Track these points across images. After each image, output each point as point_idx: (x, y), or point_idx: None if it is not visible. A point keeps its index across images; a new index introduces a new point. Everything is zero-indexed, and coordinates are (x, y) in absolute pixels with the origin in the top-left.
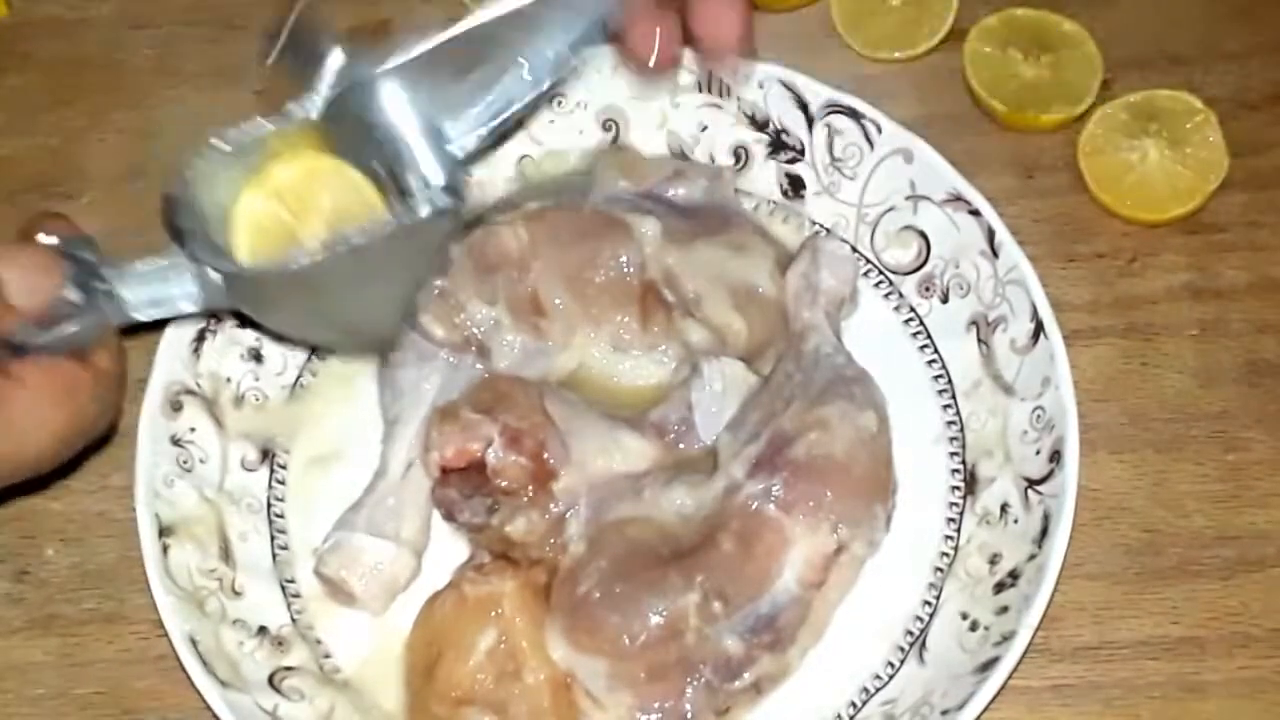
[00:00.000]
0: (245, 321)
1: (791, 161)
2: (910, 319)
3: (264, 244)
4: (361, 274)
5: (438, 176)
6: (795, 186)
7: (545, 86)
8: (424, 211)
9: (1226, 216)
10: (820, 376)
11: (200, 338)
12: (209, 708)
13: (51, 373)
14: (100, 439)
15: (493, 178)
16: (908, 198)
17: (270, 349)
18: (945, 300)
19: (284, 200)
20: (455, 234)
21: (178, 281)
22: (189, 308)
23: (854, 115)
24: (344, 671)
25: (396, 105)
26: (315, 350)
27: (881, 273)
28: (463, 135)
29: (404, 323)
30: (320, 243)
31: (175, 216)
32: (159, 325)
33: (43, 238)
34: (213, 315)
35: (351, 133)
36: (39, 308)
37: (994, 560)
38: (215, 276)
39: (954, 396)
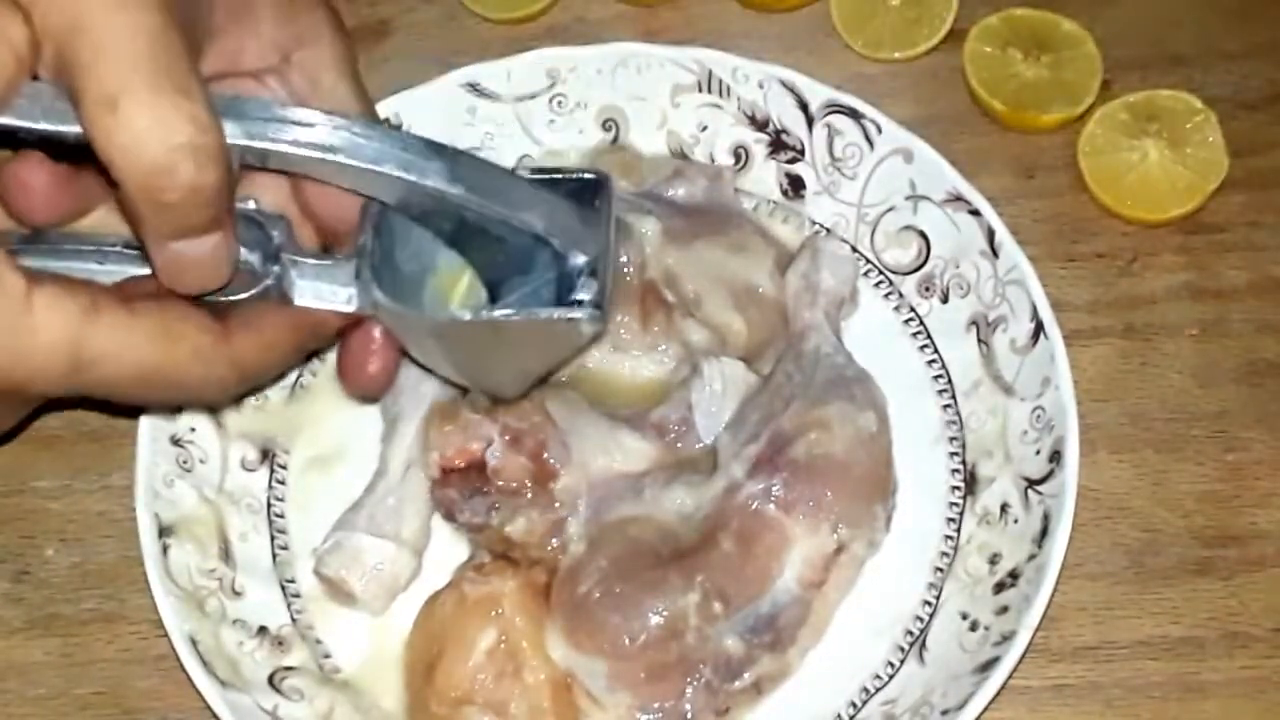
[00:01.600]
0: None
1: (791, 161)
2: (910, 319)
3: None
4: (495, 345)
5: (585, 289)
6: (795, 186)
7: None
8: (575, 316)
9: (1227, 216)
10: (820, 376)
11: None
12: (209, 708)
13: (161, 312)
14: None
15: None
16: (908, 198)
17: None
18: (945, 300)
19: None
20: (586, 347)
21: (344, 282)
22: (345, 309)
23: (854, 115)
24: (344, 671)
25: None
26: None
27: (881, 273)
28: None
29: (523, 394)
30: (471, 307)
31: (362, 231)
32: None
33: (250, 203)
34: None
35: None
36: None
37: (994, 560)
38: (374, 296)
39: (954, 396)
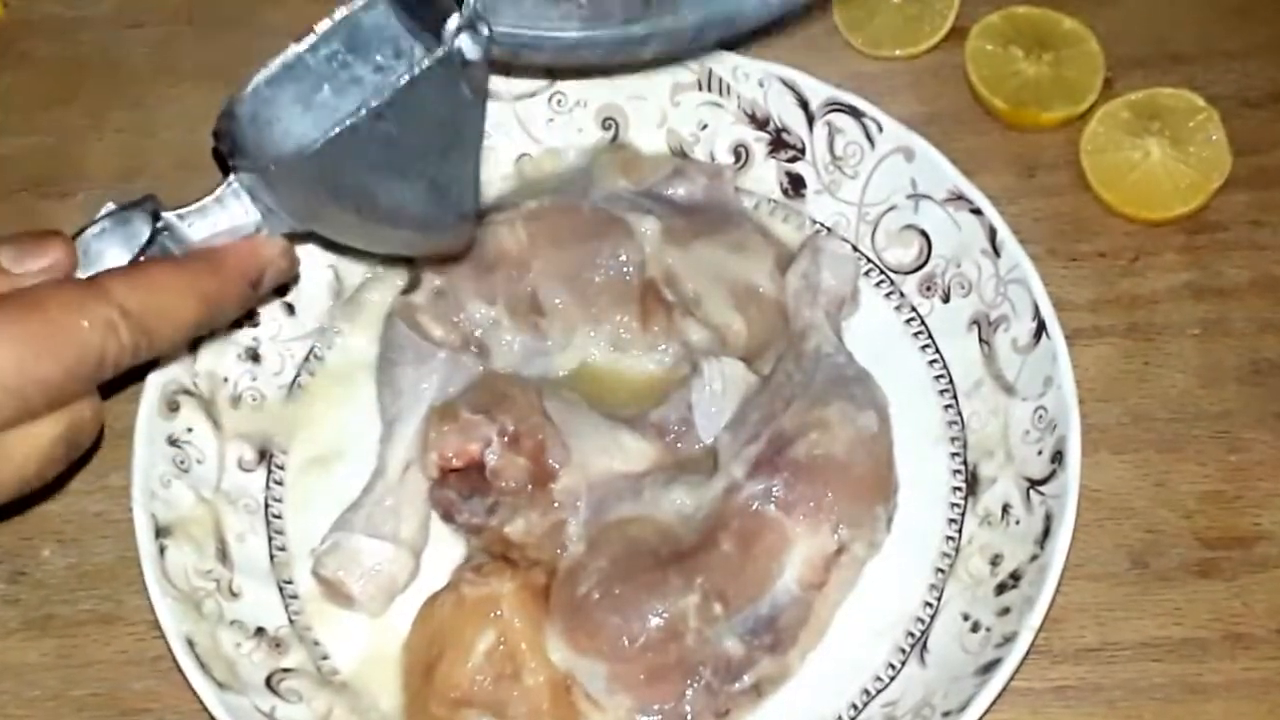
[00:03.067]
0: (320, 242)
1: (792, 160)
2: (911, 318)
3: None
4: (400, 141)
5: (451, 19)
6: (796, 185)
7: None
8: (439, 53)
9: (1229, 215)
10: (821, 376)
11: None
12: (206, 709)
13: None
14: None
15: (491, 177)
16: (909, 196)
17: (268, 349)
18: (946, 299)
19: None
20: (484, 84)
21: (237, 211)
22: (251, 229)
23: (855, 113)
24: (342, 673)
25: None
26: (313, 351)
27: (882, 272)
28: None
29: (474, 206)
30: (346, 113)
31: (220, 144)
32: None
33: (108, 205)
34: (292, 237)
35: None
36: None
37: (995, 561)
38: (260, 185)
39: (955, 396)
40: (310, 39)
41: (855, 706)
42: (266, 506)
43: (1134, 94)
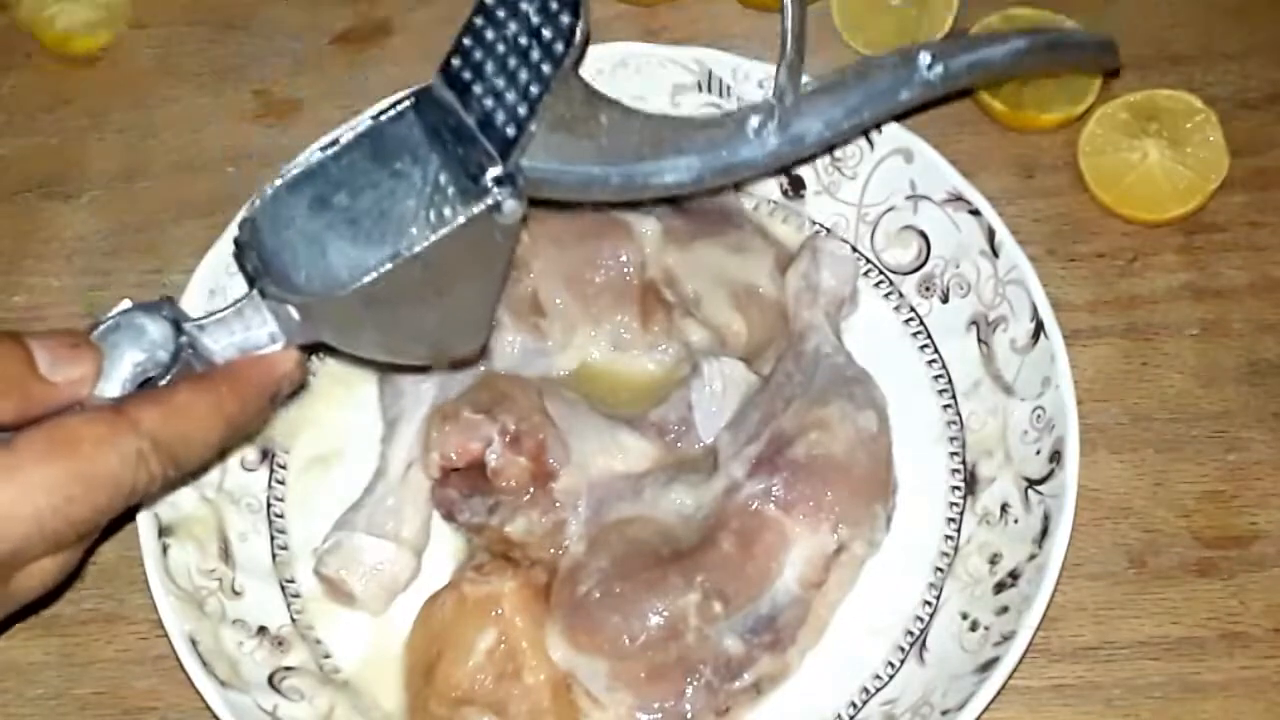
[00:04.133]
0: (334, 352)
1: None
2: (910, 319)
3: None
4: (431, 282)
5: (488, 173)
6: (795, 186)
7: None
8: (480, 207)
9: (1227, 216)
10: (820, 376)
11: None
12: (209, 708)
13: (50, 431)
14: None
15: None
16: (908, 197)
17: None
18: (945, 300)
19: None
20: (520, 229)
21: (256, 322)
22: (273, 346)
23: None
24: (344, 671)
25: (478, 94)
26: (314, 350)
27: (881, 273)
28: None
29: (491, 326)
30: (384, 257)
31: (244, 258)
32: None
33: (124, 303)
34: (308, 350)
35: (421, 138)
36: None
37: (994, 560)
38: (290, 311)
39: (954, 396)
40: (334, 147)
41: (854, 705)
42: (269, 506)
43: (1132, 95)
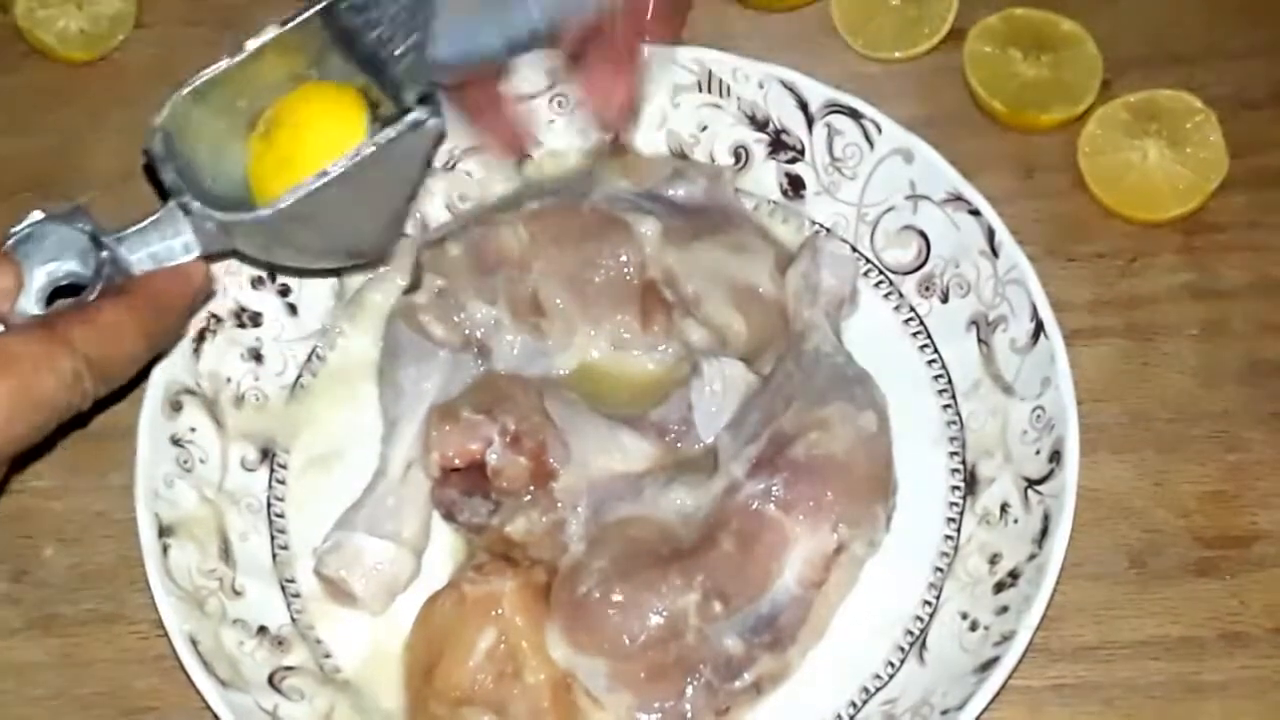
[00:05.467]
0: (245, 259)
1: (791, 161)
2: (910, 319)
3: (266, 176)
4: (352, 198)
5: (414, 89)
6: (795, 186)
7: (540, 30)
8: (401, 127)
9: (1227, 216)
10: (820, 376)
11: (200, 338)
12: (209, 708)
13: None
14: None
15: (492, 177)
16: (908, 197)
17: (270, 349)
18: (945, 300)
19: (276, 130)
20: (437, 144)
21: (174, 232)
22: (189, 257)
23: (854, 115)
24: (344, 671)
25: (376, 19)
26: (315, 352)
27: (881, 273)
28: (445, 51)
29: (398, 232)
30: (307, 179)
31: (161, 169)
32: None
33: (35, 214)
34: (211, 258)
35: (328, 47)
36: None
37: (994, 560)
38: (209, 225)
39: (954, 396)
40: (241, 54)
41: (854, 704)
42: (269, 506)
43: (1132, 95)
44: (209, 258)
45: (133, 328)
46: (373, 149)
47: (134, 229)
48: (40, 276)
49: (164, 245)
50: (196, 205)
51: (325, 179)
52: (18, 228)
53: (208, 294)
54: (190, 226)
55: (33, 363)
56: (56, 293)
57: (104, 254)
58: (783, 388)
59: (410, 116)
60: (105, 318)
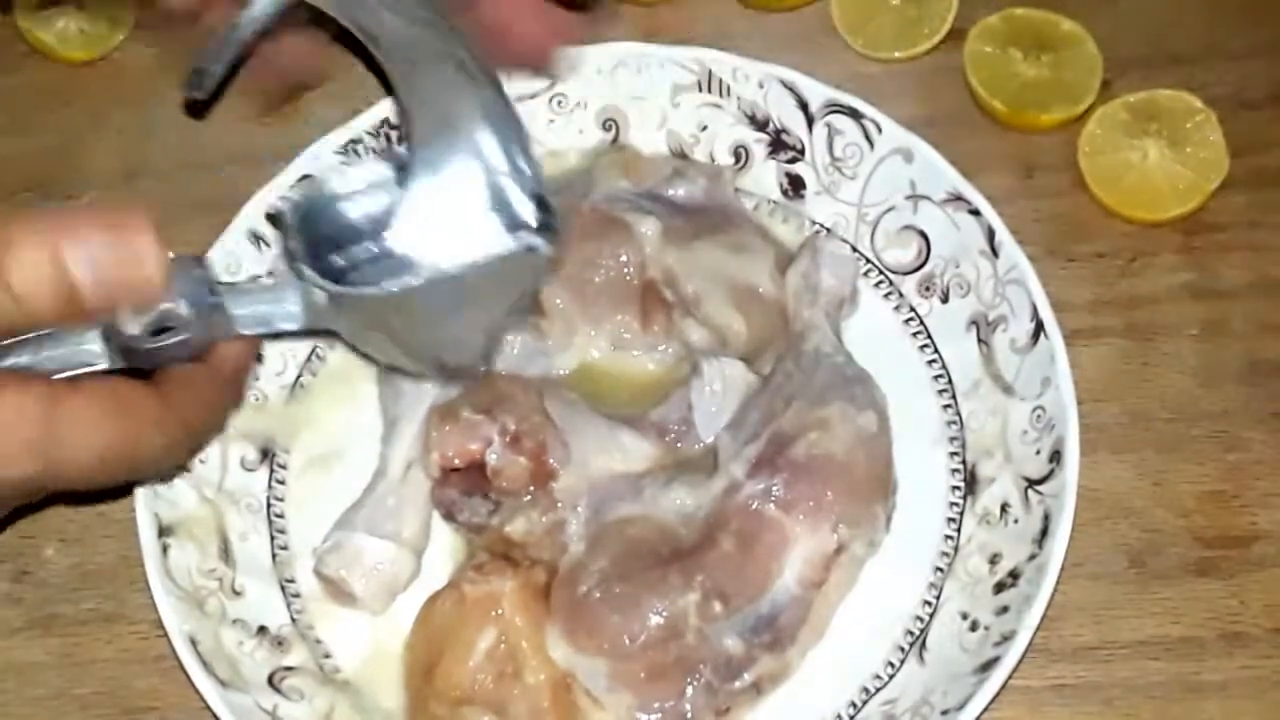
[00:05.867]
0: (340, 341)
1: (791, 161)
2: (910, 319)
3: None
4: (456, 302)
5: (530, 214)
6: (795, 186)
7: None
8: (521, 247)
9: (1227, 216)
10: (820, 376)
11: None
12: (209, 707)
13: (112, 388)
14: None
15: None
16: (908, 197)
17: (269, 349)
18: (945, 300)
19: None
20: (546, 273)
21: (283, 300)
22: (290, 327)
23: (854, 115)
24: (344, 671)
25: (490, 144)
26: (315, 351)
27: (881, 272)
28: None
29: (490, 354)
30: (421, 270)
31: (286, 237)
32: None
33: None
34: (312, 333)
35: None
36: (149, 314)
37: (994, 560)
38: (320, 297)
39: (954, 396)
40: (398, 166)
41: (854, 705)
42: (269, 506)
43: (1132, 95)
44: (309, 333)
45: (221, 403)
46: (493, 260)
47: (246, 288)
48: (153, 311)
49: (270, 310)
50: (310, 273)
51: (440, 272)
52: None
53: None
54: (300, 296)
55: (153, 420)
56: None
57: (214, 300)
58: (783, 388)
59: (526, 240)
60: (205, 394)
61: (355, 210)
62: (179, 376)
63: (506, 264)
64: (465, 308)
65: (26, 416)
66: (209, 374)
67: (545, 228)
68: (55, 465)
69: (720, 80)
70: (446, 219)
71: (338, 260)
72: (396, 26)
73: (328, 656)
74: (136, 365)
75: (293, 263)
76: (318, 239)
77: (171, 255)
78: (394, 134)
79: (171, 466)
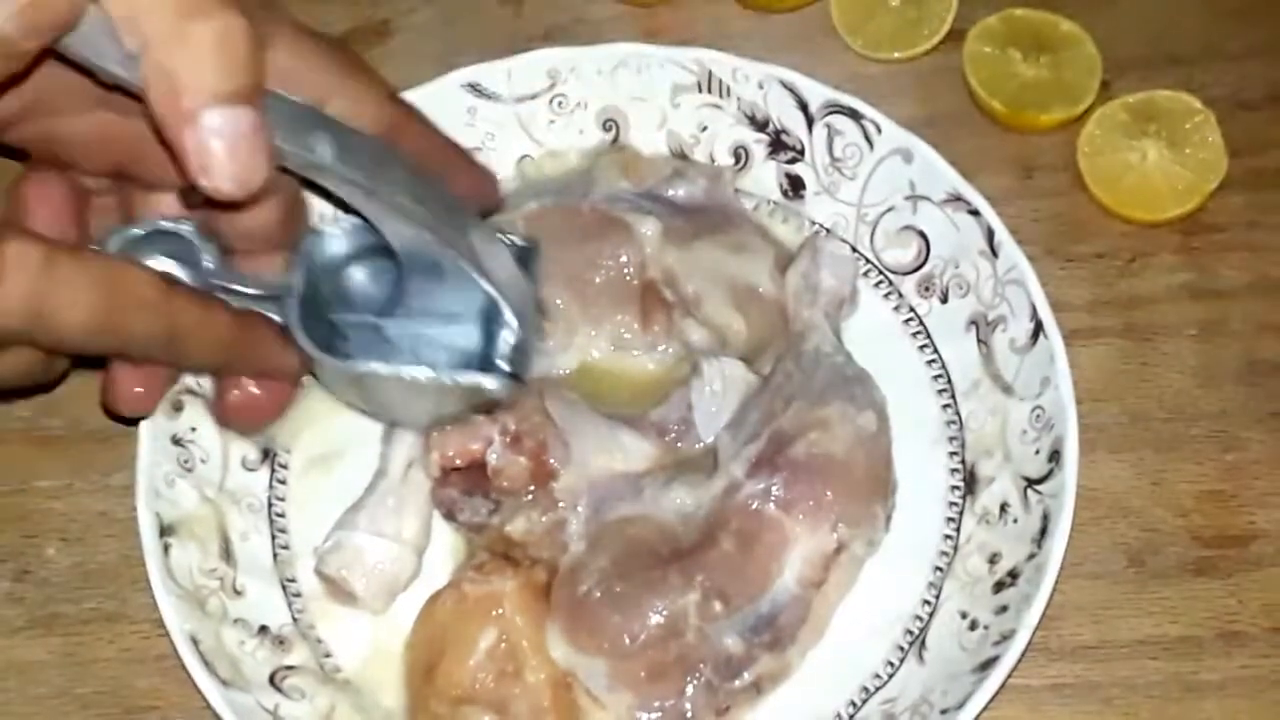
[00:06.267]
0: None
1: (791, 161)
2: (910, 319)
3: None
4: (414, 394)
5: (505, 361)
6: (795, 186)
7: None
8: (491, 387)
9: (1226, 217)
10: (820, 376)
11: None
12: (210, 707)
13: (111, 262)
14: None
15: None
16: (907, 198)
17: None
18: (945, 300)
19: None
20: (493, 406)
21: (272, 311)
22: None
23: (854, 115)
24: (345, 671)
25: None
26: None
27: (881, 273)
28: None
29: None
30: (393, 362)
31: (295, 267)
32: None
33: (162, 221)
34: None
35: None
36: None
37: (993, 560)
38: (303, 338)
39: (954, 396)
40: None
41: (854, 704)
42: (270, 505)
43: (1131, 96)
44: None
45: (221, 350)
46: (447, 378)
47: (239, 286)
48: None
49: (260, 305)
50: (294, 315)
51: (400, 373)
52: (142, 225)
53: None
54: (281, 319)
55: (138, 301)
56: None
57: (212, 279)
58: (783, 388)
59: (490, 380)
60: (214, 324)
61: (357, 281)
62: (195, 291)
63: (468, 389)
64: (419, 399)
65: (23, 268)
66: (225, 306)
67: (513, 376)
68: (40, 320)
69: (720, 81)
70: (434, 326)
71: (329, 314)
72: (410, 234)
73: (329, 656)
74: None
75: (287, 297)
76: (316, 289)
77: (171, 221)
78: None
79: (161, 356)
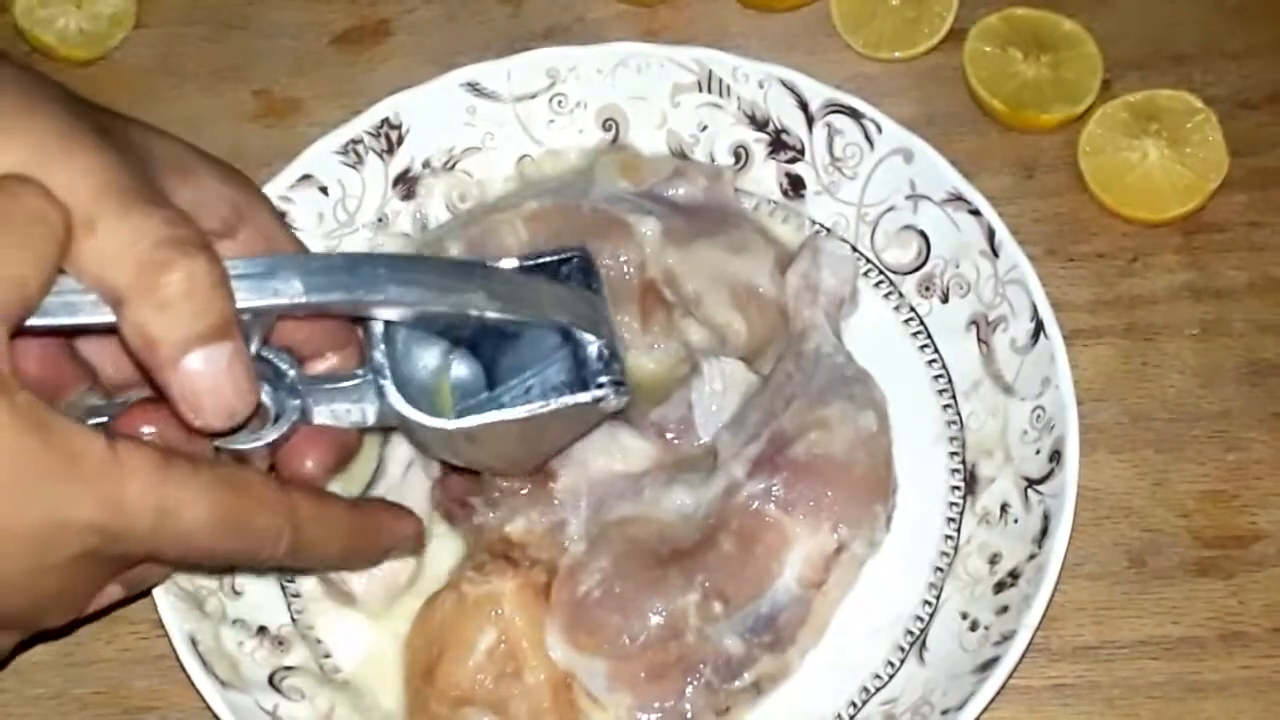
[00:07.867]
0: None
1: (791, 161)
2: (910, 319)
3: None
4: (519, 438)
5: (605, 370)
6: (795, 186)
7: None
8: (602, 395)
9: (1227, 216)
10: (820, 376)
11: None
12: (209, 707)
13: (222, 463)
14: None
15: (492, 177)
16: (908, 197)
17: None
18: (945, 300)
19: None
20: (601, 423)
21: (360, 400)
22: (358, 423)
23: (854, 115)
24: (344, 671)
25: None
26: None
27: (881, 272)
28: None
29: (541, 463)
30: (497, 409)
31: (372, 347)
32: None
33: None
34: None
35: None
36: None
37: (994, 560)
38: (392, 412)
39: (954, 396)
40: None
41: (854, 704)
42: None
43: (1132, 95)
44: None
45: (345, 533)
46: (555, 404)
47: (326, 385)
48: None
49: (346, 408)
50: (392, 391)
51: (507, 415)
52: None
53: (413, 552)
54: (377, 403)
55: (259, 500)
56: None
57: (295, 403)
58: (783, 387)
59: (597, 392)
60: (332, 511)
61: (439, 344)
62: (309, 487)
63: (575, 412)
64: (529, 439)
65: (144, 471)
66: (344, 506)
67: (617, 383)
68: (166, 526)
69: (720, 80)
70: (530, 376)
71: (416, 375)
72: (442, 314)
73: (328, 656)
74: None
75: (380, 376)
76: (401, 354)
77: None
78: (393, 134)
79: (273, 556)
